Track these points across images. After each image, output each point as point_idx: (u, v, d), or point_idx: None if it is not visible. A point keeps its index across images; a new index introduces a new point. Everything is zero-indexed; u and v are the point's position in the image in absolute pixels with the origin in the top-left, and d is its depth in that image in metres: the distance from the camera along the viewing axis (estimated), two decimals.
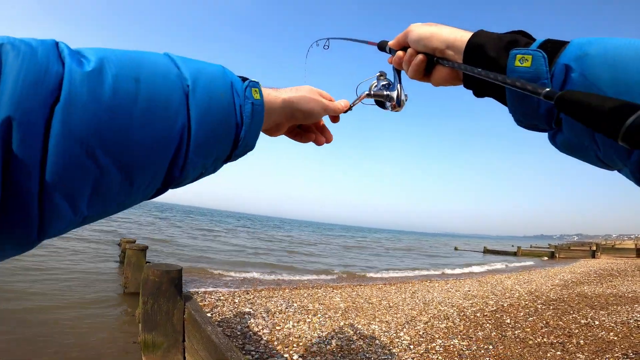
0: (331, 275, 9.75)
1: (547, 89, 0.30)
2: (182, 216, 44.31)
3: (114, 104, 0.29)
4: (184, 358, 2.94)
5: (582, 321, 4.08)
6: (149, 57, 0.35)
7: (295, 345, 3.72)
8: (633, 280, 7.93)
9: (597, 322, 3.97)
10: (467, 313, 4.91)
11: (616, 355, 2.97)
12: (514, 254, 24.50)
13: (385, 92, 0.60)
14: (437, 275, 10.11)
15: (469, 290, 6.92)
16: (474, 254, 24.60)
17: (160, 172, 0.34)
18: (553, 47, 0.35)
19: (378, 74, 0.62)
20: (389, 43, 0.57)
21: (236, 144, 0.42)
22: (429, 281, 8.89)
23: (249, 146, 0.45)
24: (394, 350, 3.51)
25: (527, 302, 5.50)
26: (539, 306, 5.17)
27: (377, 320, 4.65)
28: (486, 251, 27.15)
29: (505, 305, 5.38)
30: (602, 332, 3.64)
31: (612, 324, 3.85)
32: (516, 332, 3.91)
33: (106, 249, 9.64)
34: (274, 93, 0.49)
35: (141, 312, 2.70)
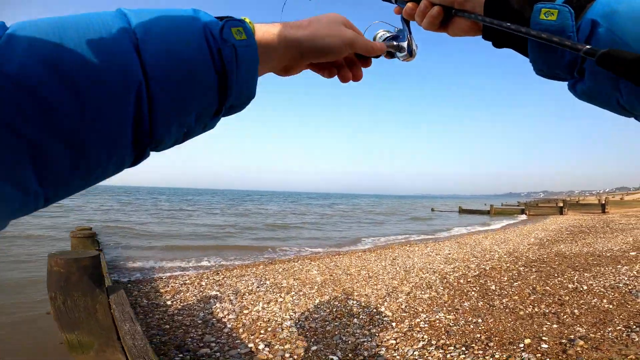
0: (310, 249, 9.42)
1: (588, 46, 0.32)
2: (150, 198, 42.48)
3: (22, 77, 0.25)
4: (127, 357, 2.44)
5: (570, 286, 3.88)
6: (84, 18, 0.30)
7: (263, 331, 3.30)
8: (605, 237, 8.06)
9: (585, 287, 3.77)
10: (450, 279, 4.65)
11: (618, 327, 2.73)
12: (488, 212, 25.29)
13: (395, 43, 0.55)
14: (418, 240, 10.01)
15: (449, 254, 6.75)
16: (450, 215, 25.20)
17: (121, 139, 0.30)
18: (578, 4, 0.35)
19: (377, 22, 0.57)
20: None
21: (225, 95, 0.35)
22: (408, 245, 8.74)
23: (245, 95, 0.38)
24: (374, 330, 3.16)
25: (508, 265, 5.33)
26: (521, 269, 4.99)
27: (356, 294, 4.31)
28: (461, 211, 27.92)
29: (487, 268, 5.18)
30: (594, 298, 3.42)
31: (602, 289, 3.66)
32: (504, 300, 3.65)
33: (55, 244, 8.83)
34: (273, 30, 0.40)
35: (52, 310, 2.14)
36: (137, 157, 0.33)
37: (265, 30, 0.40)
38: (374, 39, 0.55)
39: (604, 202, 20.99)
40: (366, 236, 11.36)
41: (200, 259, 7.39)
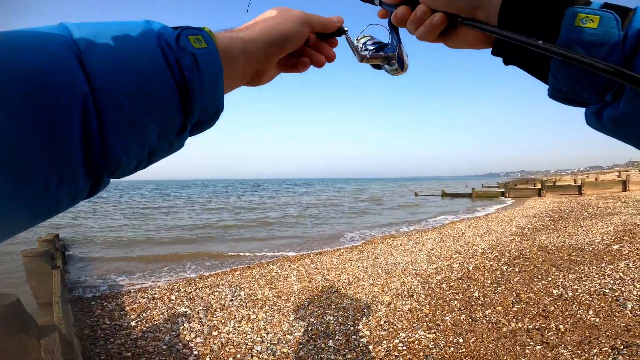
0: (292, 250, 9.12)
1: None
2: (125, 194, 40.71)
3: None
4: None
5: (555, 292, 3.72)
6: (18, 32, 0.27)
7: (231, 358, 3.01)
8: (585, 225, 8.08)
9: (570, 294, 3.62)
10: (432, 285, 4.46)
11: (604, 349, 2.55)
12: (469, 195, 25.60)
13: (382, 53, 0.50)
14: (401, 232, 9.86)
15: (432, 249, 6.60)
16: (434, 199, 25.39)
17: (70, 162, 0.26)
18: (618, 11, 0.31)
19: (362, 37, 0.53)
20: None
21: (188, 108, 0.32)
22: (392, 238, 8.57)
23: (211, 108, 0.35)
24: (349, 357, 2.90)
25: (491, 263, 5.18)
26: (505, 268, 4.85)
27: (334, 306, 4.06)
28: (444, 195, 28.17)
29: (470, 268, 5.01)
30: (579, 309, 3.26)
31: (588, 296, 3.51)
32: (487, 312, 3.46)
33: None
34: (231, 35, 0.39)
35: None
36: (93, 185, 0.30)
37: (224, 37, 0.38)
38: (357, 51, 0.50)
39: (580, 183, 21.51)
40: (350, 230, 11.16)
41: (173, 267, 7.00)
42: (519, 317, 3.25)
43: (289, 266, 6.30)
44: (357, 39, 0.53)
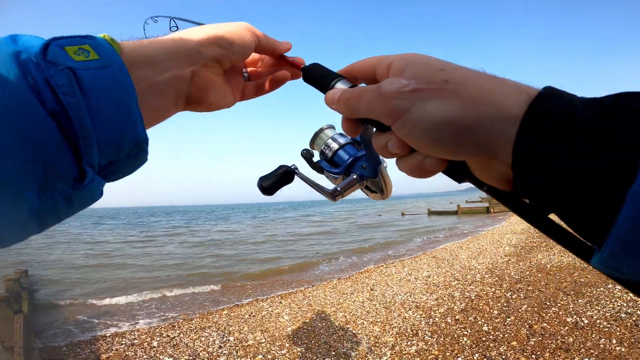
0: (280, 277, 8.65)
1: None
2: (98, 224, 38.81)
3: None
4: None
5: (569, 320, 3.50)
6: None
7: None
8: None
9: (585, 321, 3.40)
10: (437, 319, 4.16)
11: None
12: (455, 212, 25.77)
13: (356, 184, 0.42)
14: (394, 258, 9.58)
15: (429, 276, 6.33)
16: (421, 218, 25.39)
17: None
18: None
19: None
20: (339, 97, 0.36)
21: (78, 147, 0.25)
22: (385, 265, 8.26)
23: (126, 139, 0.28)
24: None
25: (493, 289, 4.95)
26: (509, 295, 4.62)
27: (333, 353, 3.68)
28: (430, 213, 28.28)
29: (473, 297, 4.76)
30: (601, 338, 3.03)
31: (605, 322, 3.30)
32: (501, 349, 3.18)
33: None
34: (147, 41, 0.33)
35: None
36: None
37: (133, 43, 0.31)
38: (318, 185, 0.43)
39: None
40: (343, 257, 10.79)
41: (154, 308, 6.44)
42: (539, 353, 2.99)
43: (280, 302, 5.88)
44: (315, 163, 0.44)
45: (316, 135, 0.47)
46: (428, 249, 10.14)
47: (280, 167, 0.41)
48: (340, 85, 0.37)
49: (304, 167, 0.46)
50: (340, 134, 0.47)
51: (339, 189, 0.42)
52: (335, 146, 0.45)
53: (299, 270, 9.14)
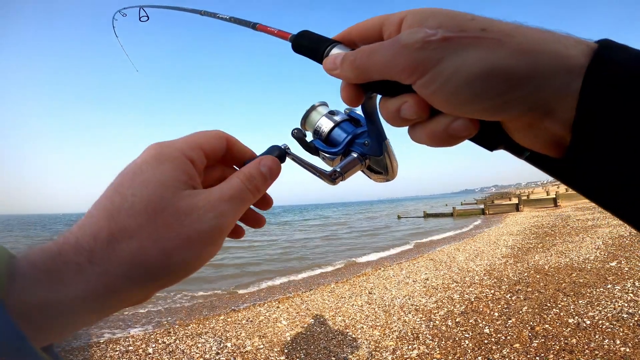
0: (277, 281, 8.56)
1: None
2: None
3: None
4: None
5: (570, 321, 3.47)
6: None
7: None
8: (573, 241, 8.06)
9: (588, 322, 3.38)
10: (437, 322, 4.11)
11: None
12: (451, 214, 25.84)
13: (358, 163, 0.37)
14: (391, 260, 9.53)
15: (427, 279, 6.29)
16: (416, 221, 25.40)
17: None
18: None
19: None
20: (342, 61, 0.31)
21: None
22: (382, 269, 8.21)
23: None
24: None
25: (492, 291, 4.92)
26: (508, 296, 4.59)
27: (333, 358, 3.61)
28: (426, 215, 28.32)
29: (472, 299, 4.72)
30: (604, 339, 3.00)
31: (607, 323, 3.27)
32: (504, 351, 3.14)
33: None
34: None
35: None
36: None
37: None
38: (315, 167, 0.37)
39: (555, 195, 22.22)
40: (340, 261, 10.72)
41: (149, 313, 6.33)
42: (543, 355, 2.95)
43: (278, 307, 5.81)
44: (308, 144, 0.39)
45: (308, 113, 0.42)
46: (425, 252, 10.11)
47: (272, 147, 0.37)
48: (338, 51, 0.32)
49: (297, 149, 0.40)
50: (335, 111, 0.42)
51: (338, 169, 0.37)
52: (330, 124, 0.40)
53: (296, 273, 9.05)
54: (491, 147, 0.29)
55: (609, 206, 0.26)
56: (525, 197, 28.33)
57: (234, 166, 0.38)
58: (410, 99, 0.27)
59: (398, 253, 11.05)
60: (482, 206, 26.67)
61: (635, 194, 0.23)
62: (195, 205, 0.29)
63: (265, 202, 0.38)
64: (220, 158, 0.36)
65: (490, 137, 0.28)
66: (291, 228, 27.91)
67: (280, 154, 0.36)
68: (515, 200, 25.58)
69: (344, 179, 0.38)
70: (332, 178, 0.37)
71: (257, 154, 0.37)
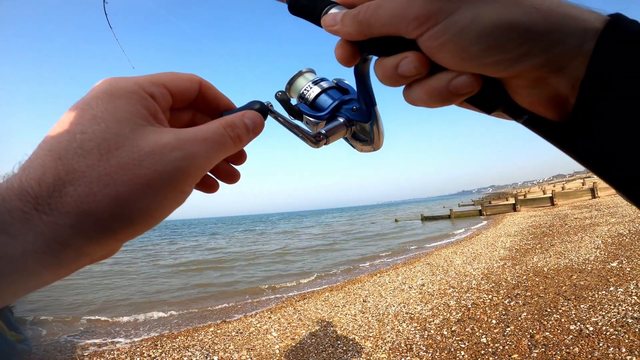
0: (267, 295, 8.35)
1: None
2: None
3: None
4: None
5: (572, 327, 3.27)
6: None
7: None
8: (572, 241, 7.87)
9: (590, 328, 3.18)
10: (432, 331, 3.90)
11: None
12: (448, 217, 25.68)
13: (345, 128, 0.37)
14: (387, 265, 9.33)
15: (423, 285, 6.08)
16: (413, 224, 25.24)
17: None
18: None
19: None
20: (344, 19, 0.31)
21: None
22: (378, 274, 8.00)
23: None
24: None
25: (490, 296, 4.73)
26: (506, 302, 4.39)
27: None
28: (424, 218, 28.15)
29: (469, 305, 4.52)
30: (609, 346, 2.81)
31: (611, 329, 3.07)
32: None
33: None
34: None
35: None
36: None
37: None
38: (297, 126, 0.37)
39: (551, 194, 22.12)
40: (336, 267, 10.51)
41: (136, 323, 6.12)
42: None
43: (270, 317, 5.60)
44: (293, 107, 0.38)
45: (294, 78, 0.40)
46: (422, 256, 9.92)
47: (252, 102, 0.34)
48: (336, 10, 0.31)
49: (280, 111, 0.38)
50: (322, 78, 0.40)
51: (323, 131, 0.36)
52: (317, 89, 0.39)
53: (292, 280, 8.83)
54: (490, 109, 0.29)
55: (606, 174, 0.26)
56: (522, 197, 28.23)
57: (209, 118, 0.35)
58: (411, 54, 0.27)
59: (394, 258, 10.85)
60: (479, 207, 26.56)
61: (636, 162, 0.24)
62: (158, 143, 0.25)
63: (240, 155, 0.35)
64: (190, 101, 0.33)
65: (489, 97, 0.28)
66: (289, 236, 27.71)
67: (261, 108, 0.33)
68: (512, 200, 25.48)
69: (328, 143, 0.37)
70: (316, 140, 0.36)
71: (236, 106, 0.35)
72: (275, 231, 32.90)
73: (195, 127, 0.28)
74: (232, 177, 0.36)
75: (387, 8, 0.26)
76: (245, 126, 0.31)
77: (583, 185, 31.35)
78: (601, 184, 21.55)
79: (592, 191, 20.77)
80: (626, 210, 11.10)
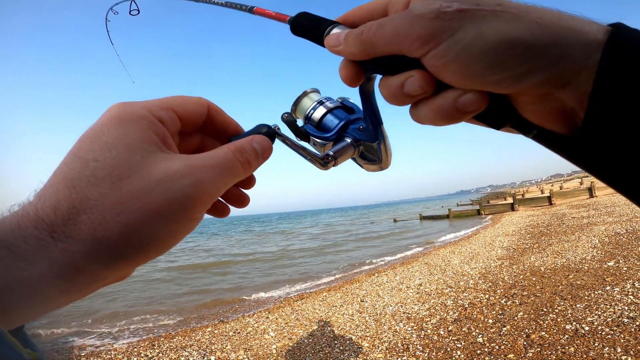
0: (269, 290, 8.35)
1: None
2: None
3: None
4: None
5: (568, 327, 3.28)
6: None
7: None
8: (569, 240, 7.89)
9: (586, 327, 3.19)
10: (428, 331, 3.91)
11: None
12: (447, 216, 25.71)
13: (352, 149, 0.37)
14: (385, 265, 9.34)
15: (421, 284, 6.09)
16: (413, 223, 25.27)
17: None
18: None
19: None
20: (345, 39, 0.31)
21: None
22: (376, 274, 8.00)
23: None
24: None
25: (487, 296, 4.73)
26: (503, 301, 4.40)
27: None
28: (422, 218, 28.20)
29: (466, 305, 4.53)
30: (604, 346, 2.81)
31: (607, 329, 3.08)
32: None
33: None
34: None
35: None
36: None
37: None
38: (305, 150, 0.36)
39: (549, 194, 22.17)
40: (334, 267, 10.52)
41: (133, 324, 6.12)
42: None
43: (267, 317, 5.60)
44: (299, 127, 0.38)
45: (299, 99, 0.40)
46: (420, 255, 9.93)
47: (260, 125, 0.34)
48: (339, 30, 0.31)
49: (287, 133, 0.38)
50: (327, 98, 0.40)
51: (331, 153, 0.36)
52: (322, 110, 0.39)
53: (290, 281, 8.83)
54: (498, 125, 0.28)
55: (620, 185, 0.26)
56: (520, 196, 28.28)
57: (217, 142, 0.35)
58: (416, 73, 0.27)
59: (392, 257, 10.86)
60: (477, 207, 26.59)
61: None
62: (168, 170, 0.25)
63: (249, 180, 0.35)
64: (199, 126, 0.33)
65: (497, 113, 0.28)
66: (289, 236, 27.70)
67: (269, 132, 0.33)
68: (510, 200, 25.51)
69: (336, 164, 0.37)
70: (324, 162, 0.36)
71: (244, 129, 0.35)
72: (274, 231, 32.90)
73: (205, 153, 0.28)
74: (241, 201, 0.36)
75: (390, 27, 0.27)
76: (255, 151, 0.31)
77: (581, 184, 31.46)
78: (598, 183, 21.59)
79: (590, 190, 20.83)
80: (623, 210, 11.14)
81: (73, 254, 0.23)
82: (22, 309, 0.24)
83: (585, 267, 5.15)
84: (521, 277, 5.37)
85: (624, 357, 2.60)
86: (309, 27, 0.34)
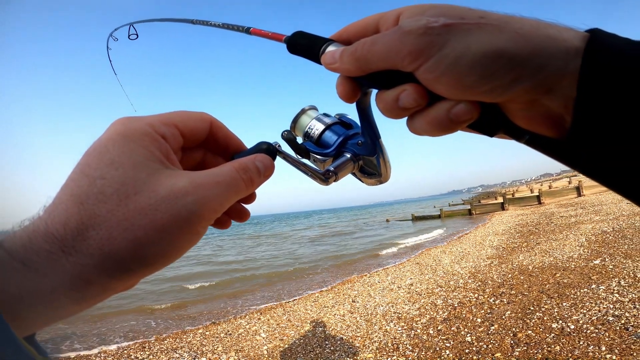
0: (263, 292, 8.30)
1: None
2: None
3: None
4: None
5: (554, 326, 3.33)
6: None
7: None
8: (557, 239, 8.02)
9: (572, 326, 3.25)
10: (418, 331, 3.94)
11: None
12: (439, 216, 25.91)
13: (351, 163, 0.37)
14: (378, 266, 9.38)
15: (412, 284, 6.13)
16: (405, 224, 25.40)
17: None
18: None
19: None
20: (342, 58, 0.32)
21: None
22: (368, 275, 8.04)
23: None
24: None
25: (476, 295, 4.79)
26: (491, 300, 4.46)
27: None
28: (414, 218, 28.35)
29: (455, 304, 4.57)
30: (589, 345, 2.87)
31: (592, 328, 3.14)
32: None
33: None
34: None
35: None
36: None
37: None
38: (307, 167, 0.37)
39: (538, 193, 22.50)
40: (326, 268, 10.51)
41: (123, 327, 6.03)
42: None
43: (259, 319, 5.58)
44: (299, 145, 0.39)
45: (298, 116, 0.41)
46: (412, 255, 10.00)
47: (261, 143, 0.35)
48: (334, 48, 0.32)
49: (287, 150, 0.39)
50: (325, 114, 0.41)
51: (332, 169, 0.37)
52: (321, 126, 0.39)
53: (283, 282, 8.81)
54: (491, 132, 0.29)
55: (614, 184, 0.27)
56: (510, 196, 28.64)
57: (220, 157, 0.36)
58: (410, 87, 0.28)
59: (384, 258, 10.91)
60: (468, 206, 26.84)
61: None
62: (173, 187, 0.26)
63: (250, 196, 0.36)
64: (201, 141, 0.34)
65: (489, 121, 0.29)
66: (283, 238, 27.63)
67: (270, 149, 0.34)
68: (500, 200, 25.81)
69: (337, 180, 0.37)
70: (325, 178, 0.36)
71: (247, 146, 0.36)
72: (267, 234, 32.78)
73: (209, 171, 0.29)
74: (242, 216, 0.37)
75: (382, 44, 0.28)
76: (257, 170, 0.32)
77: (569, 183, 31.94)
78: (586, 182, 22.02)
79: (578, 189, 21.19)
80: (610, 208, 11.36)
81: (83, 267, 0.24)
82: (35, 318, 0.25)
83: (572, 266, 5.25)
84: (509, 276, 5.44)
85: (608, 356, 2.65)
86: (305, 46, 0.35)
